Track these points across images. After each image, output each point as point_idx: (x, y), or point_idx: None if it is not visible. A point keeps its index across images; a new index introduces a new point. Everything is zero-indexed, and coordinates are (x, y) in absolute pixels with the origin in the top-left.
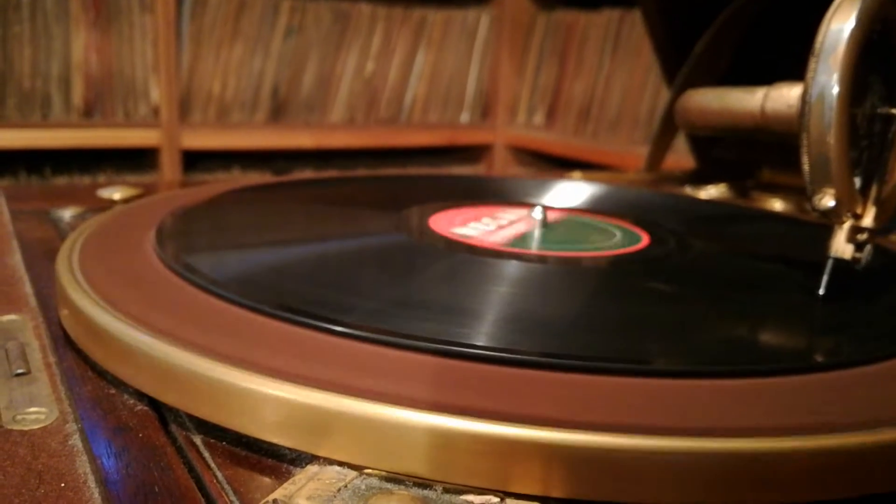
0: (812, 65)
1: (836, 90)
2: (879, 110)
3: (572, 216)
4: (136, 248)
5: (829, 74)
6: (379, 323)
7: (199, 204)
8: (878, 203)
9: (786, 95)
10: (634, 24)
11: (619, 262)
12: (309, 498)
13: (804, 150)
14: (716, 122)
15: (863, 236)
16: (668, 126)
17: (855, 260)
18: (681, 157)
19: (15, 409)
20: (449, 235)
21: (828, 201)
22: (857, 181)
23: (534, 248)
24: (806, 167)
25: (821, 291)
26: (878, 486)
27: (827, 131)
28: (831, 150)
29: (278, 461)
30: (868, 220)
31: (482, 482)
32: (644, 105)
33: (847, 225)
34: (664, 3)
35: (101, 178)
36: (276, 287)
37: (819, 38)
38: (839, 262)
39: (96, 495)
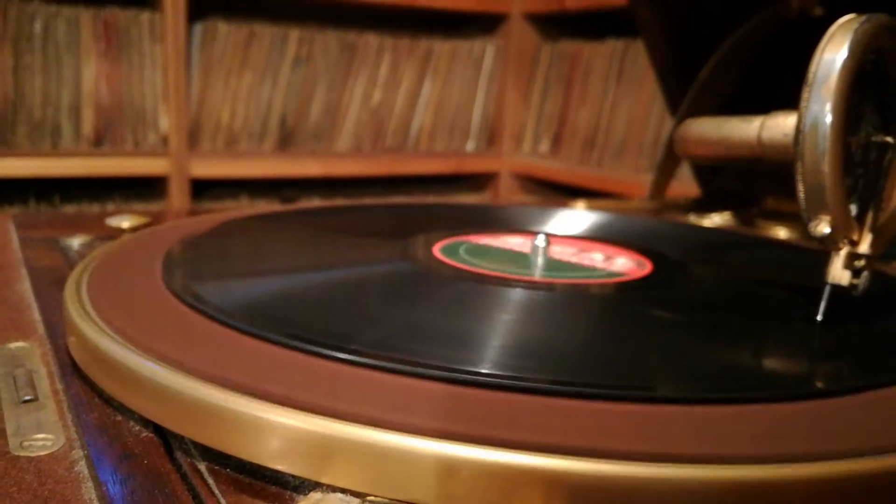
0: (805, 94)
1: (829, 119)
2: (874, 138)
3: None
4: (144, 277)
5: (821, 104)
6: (384, 350)
7: (207, 232)
8: (875, 230)
9: (782, 124)
10: (638, 53)
11: (623, 290)
12: None
13: (799, 177)
14: (714, 151)
15: (860, 263)
16: (672, 154)
17: (852, 286)
18: (685, 185)
19: (22, 435)
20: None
21: (824, 228)
22: (854, 208)
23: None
24: (801, 195)
25: (819, 317)
26: None
27: (821, 159)
28: (826, 178)
29: (282, 488)
30: (865, 247)
31: None
32: (648, 133)
33: (844, 251)
34: (667, 32)
35: (110, 207)
36: (282, 315)
37: (812, 67)
38: (837, 288)
39: None
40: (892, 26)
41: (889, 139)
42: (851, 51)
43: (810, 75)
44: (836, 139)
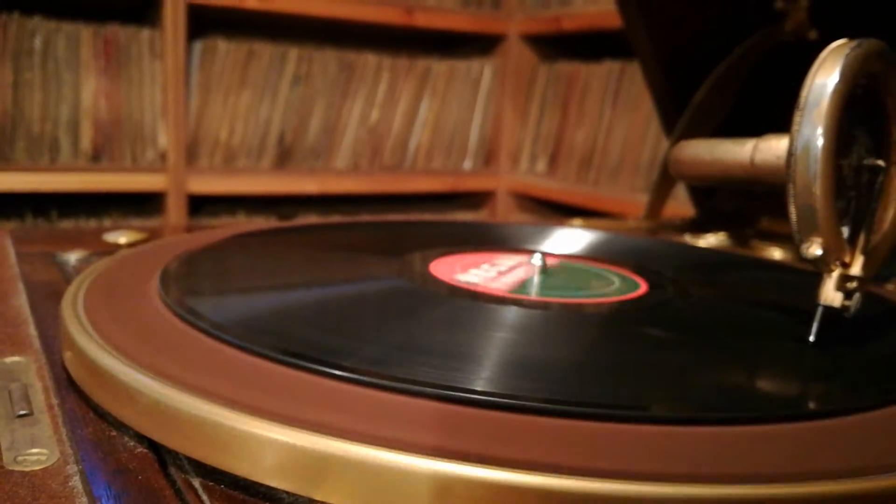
0: (797, 118)
1: (820, 142)
2: (866, 161)
3: (571, 263)
4: (140, 292)
5: (813, 127)
6: (379, 368)
7: (204, 248)
8: (867, 252)
9: (774, 147)
10: (635, 74)
11: (618, 309)
12: None
13: (791, 200)
14: (707, 172)
15: (852, 284)
16: (668, 175)
17: (844, 308)
18: (681, 205)
19: (16, 450)
20: (451, 281)
21: (815, 250)
22: (846, 230)
23: (534, 294)
24: (793, 217)
25: (811, 339)
26: None
27: (812, 182)
28: (817, 201)
29: None
30: (856, 269)
31: None
32: (645, 153)
33: (836, 273)
34: (662, 55)
35: (108, 222)
36: (278, 331)
37: (804, 91)
38: (829, 309)
39: None
40: (883, 51)
41: (880, 162)
42: (843, 75)
43: (802, 99)
44: (827, 162)
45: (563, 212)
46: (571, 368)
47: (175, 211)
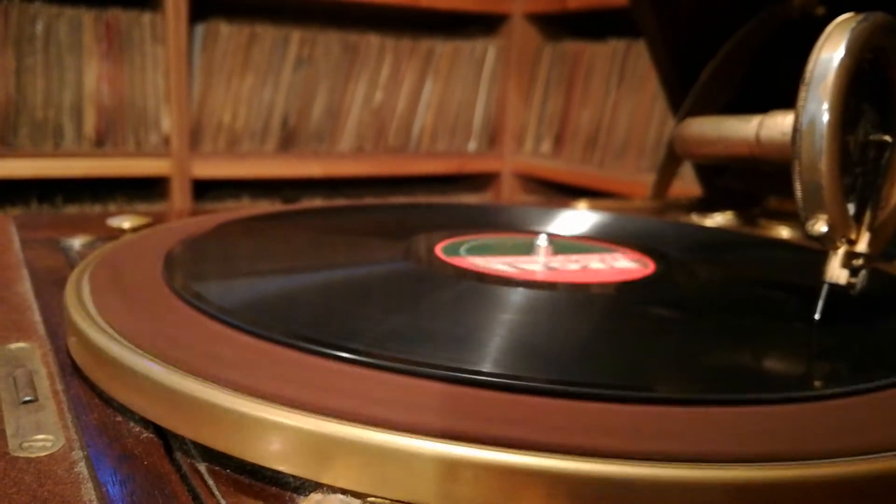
0: (802, 93)
1: (826, 118)
2: (872, 137)
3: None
4: (144, 277)
5: (818, 103)
6: (385, 350)
7: (208, 232)
8: (873, 229)
9: (780, 123)
10: (640, 53)
11: (624, 290)
12: None
13: (796, 176)
14: (713, 150)
15: (858, 262)
16: (674, 154)
17: (850, 285)
18: (688, 184)
19: (22, 436)
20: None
21: (821, 227)
22: (852, 207)
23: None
24: (798, 193)
25: (816, 317)
26: None
27: (818, 158)
28: (823, 177)
29: (282, 489)
30: (862, 246)
31: None
32: (650, 133)
33: (841, 250)
34: (668, 32)
35: (112, 207)
36: (284, 314)
37: (809, 66)
38: (835, 287)
39: None
40: (890, 25)
41: (887, 138)
42: (849, 50)
43: (807, 74)
44: (832, 138)
45: (568, 193)
46: (579, 349)
47: (179, 195)
